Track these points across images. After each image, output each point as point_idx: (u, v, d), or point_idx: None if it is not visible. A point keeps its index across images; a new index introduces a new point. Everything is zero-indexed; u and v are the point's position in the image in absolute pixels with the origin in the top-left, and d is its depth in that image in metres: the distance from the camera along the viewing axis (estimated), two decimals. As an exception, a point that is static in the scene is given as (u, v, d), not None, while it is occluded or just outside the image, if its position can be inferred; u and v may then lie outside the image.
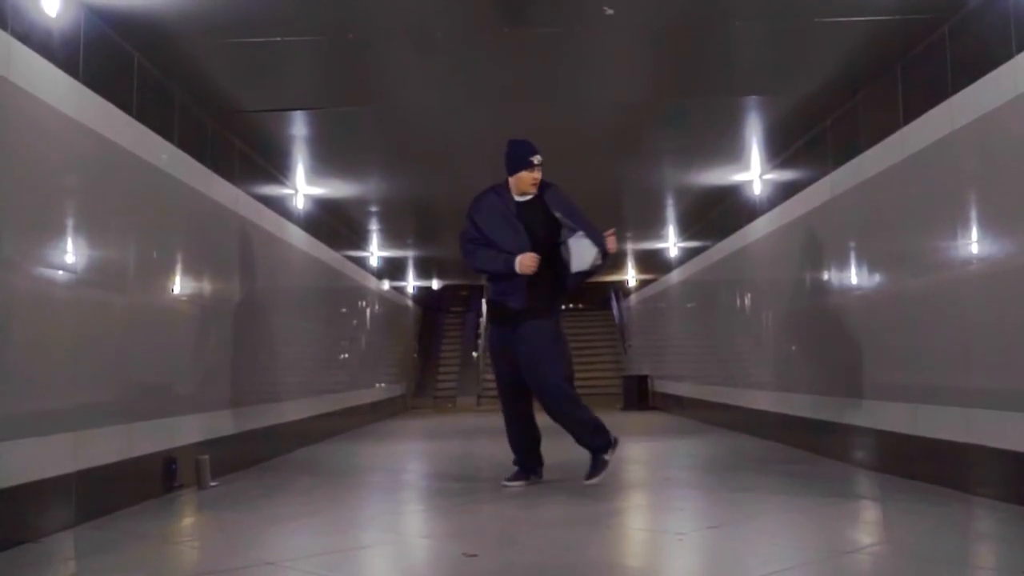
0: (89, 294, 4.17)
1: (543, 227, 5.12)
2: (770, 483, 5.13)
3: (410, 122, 6.38)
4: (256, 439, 6.55)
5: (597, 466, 5.03)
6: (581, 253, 5.01)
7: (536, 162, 5.16)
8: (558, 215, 5.11)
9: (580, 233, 5.02)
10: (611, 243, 5.06)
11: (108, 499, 4.27)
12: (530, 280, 5.04)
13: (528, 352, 5.03)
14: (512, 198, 5.20)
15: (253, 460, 6.40)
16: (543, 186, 5.20)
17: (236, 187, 6.29)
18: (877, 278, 5.49)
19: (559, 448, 5.28)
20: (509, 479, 5.16)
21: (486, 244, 5.15)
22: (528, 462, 5.24)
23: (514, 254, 5.03)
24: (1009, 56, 3.95)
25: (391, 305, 14.44)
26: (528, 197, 5.18)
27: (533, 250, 5.03)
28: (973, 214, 4.32)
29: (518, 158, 5.19)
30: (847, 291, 5.93)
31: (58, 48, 3.91)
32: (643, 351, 16.08)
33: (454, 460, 5.20)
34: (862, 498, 4.68)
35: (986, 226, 4.23)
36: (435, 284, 17.36)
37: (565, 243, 5.07)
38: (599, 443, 5.05)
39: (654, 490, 5.19)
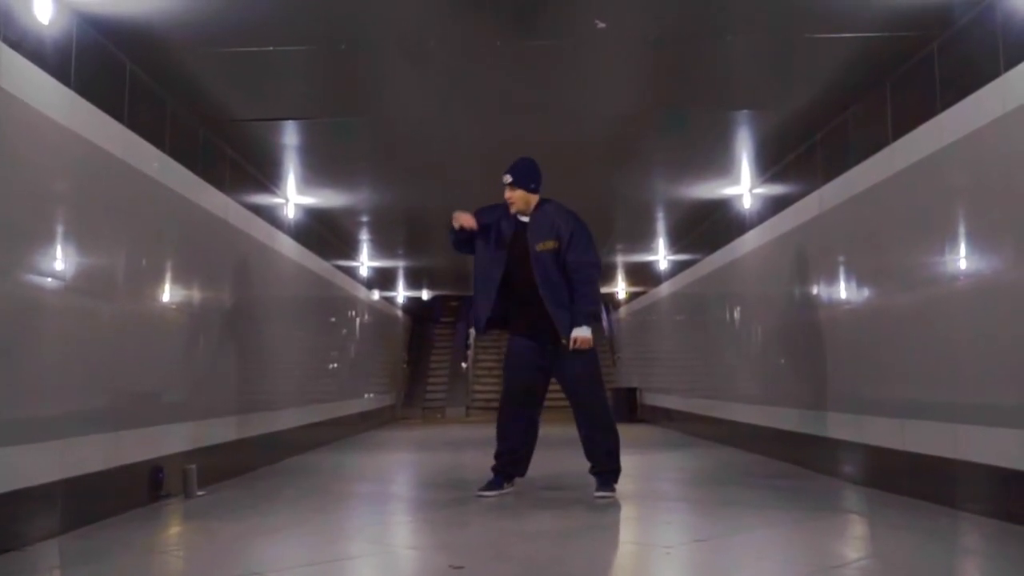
0: (77, 301, 4.15)
1: (526, 248, 5.13)
2: (757, 497, 5.13)
3: (402, 132, 6.39)
4: (243, 448, 6.52)
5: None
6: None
7: (504, 181, 5.19)
8: (550, 244, 5.12)
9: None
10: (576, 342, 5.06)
11: (94, 508, 4.24)
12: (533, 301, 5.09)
13: (583, 372, 5.12)
14: (513, 215, 5.25)
15: (240, 470, 6.37)
16: (541, 202, 5.22)
17: (227, 196, 6.29)
18: (865, 293, 5.51)
19: (550, 460, 5.29)
20: (484, 488, 5.17)
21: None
22: (510, 467, 5.25)
23: (489, 264, 5.17)
24: (997, 74, 3.99)
25: (381, 315, 14.41)
26: (526, 217, 5.20)
27: (507, 268, 5.13)
28: (961, 230, 4.35)
29: None
30: (835, 305, 5.95)
31: (50, 55, 3.90)
32: (632, 363, 16.08)
33: (442, 471, 5.18)
34: (849, 512, 4.69)
35: (973, 242, 4.26)
36: (425, 295, 17.35)
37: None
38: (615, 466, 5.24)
39: (642, 503, 5.18)
